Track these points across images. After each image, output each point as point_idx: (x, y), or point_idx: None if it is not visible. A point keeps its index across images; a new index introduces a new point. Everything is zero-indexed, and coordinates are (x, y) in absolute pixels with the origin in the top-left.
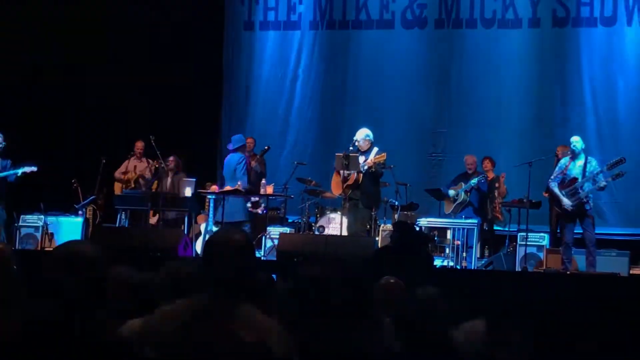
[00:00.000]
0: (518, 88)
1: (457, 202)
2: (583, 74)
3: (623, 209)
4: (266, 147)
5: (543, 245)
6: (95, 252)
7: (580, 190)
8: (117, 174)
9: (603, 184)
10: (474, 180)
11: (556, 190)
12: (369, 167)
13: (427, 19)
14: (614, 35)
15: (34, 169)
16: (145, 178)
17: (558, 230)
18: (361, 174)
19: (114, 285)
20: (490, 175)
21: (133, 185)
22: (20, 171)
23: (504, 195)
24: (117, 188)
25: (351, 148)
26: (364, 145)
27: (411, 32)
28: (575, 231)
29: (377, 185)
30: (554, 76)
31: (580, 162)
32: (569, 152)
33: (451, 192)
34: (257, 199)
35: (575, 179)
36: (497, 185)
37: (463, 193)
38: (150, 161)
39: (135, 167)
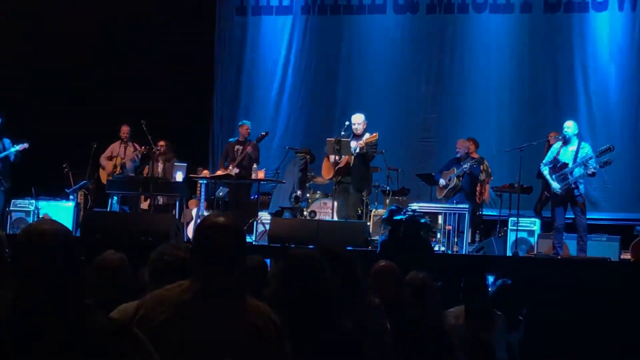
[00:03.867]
0: (509, 73)
1: (450, 187)
2: (575, 59)
3: (614, 195)
4: (263, 133)
5: (534, 230)
6: (64, 231)
7: (569, 176)
8: (103, 159)
9: (592, 170)
10: (466, 165)
11: (546, 173)
12: (361, 149)
13: (418, 4)
14: (606, 20)
15: (26, 145)
16: (133, 161)
17: (547, 215)
18: (352, 157)
19: (105, 270)
20: (475, 156)
21: (119, 170)
22: (13, 150)
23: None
24: (103, 174)
25: (343, 133)
26: (360, 129)
27: (403, 17)
28: (567, 216)
29: (367, 169)
30: (545, 61)
31: (572, 148)
32: (560, 137)
33: (441, 182)
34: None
35: (565, 164)
36: (482, 167)
37: (455, 178)
38: (137, 146)
39: (126, 149)
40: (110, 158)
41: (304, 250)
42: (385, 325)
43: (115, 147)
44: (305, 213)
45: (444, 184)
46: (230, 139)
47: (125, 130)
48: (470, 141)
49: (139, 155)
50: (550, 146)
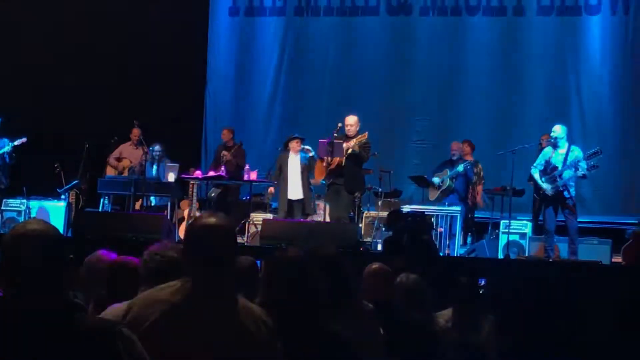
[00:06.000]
0: (502, 76)
1: (442, 189)
2: (567, 62)
3: (605, 197)
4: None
5: (525, 233)
6: (51, 231)
7: (558, 179)
8: (111, 158)
9: (582, 173)
10: (460, 167)
11: (536, 176)
12: (353, 150)
13: (412, 6)
14: (598, 24)
15: (24, 140)
16: (142, 165)
17: (540, 218)
18: (344, 158)
19: (96, 269)
20: (469, 159)
21: (126, 173)
22: (11, 145)
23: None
24: (110, 172)
25: (335, 134)
26: (354, 131)
27: (396, 19)
28: (558, 219)
29: (360, 170)
30: (538, 64)
31: (562, 151)
32: (552, 141)
33: (436, 180)
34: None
35: (555, 167)
36: (476, 170)
37: (448, 180)
38: (147, 149)
39: (134, 157)
40: (118, 159)
41: (290, 252)
42: (378, 330)
43: (124, 149)
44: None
45: (438, 182)
46: (220, 144)
47: (136, 133)
48: (466, 143)
49: (148, 159)
50: (542, 149)
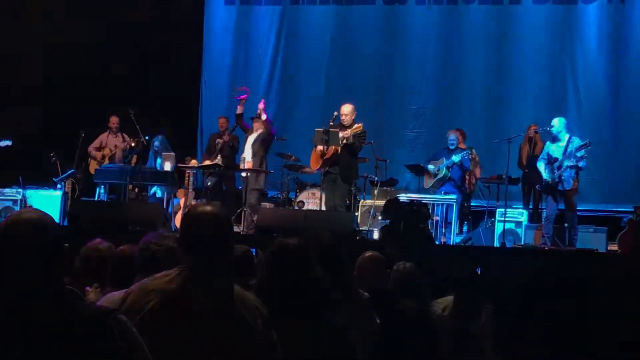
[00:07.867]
0: (497, 64)
1: (438, 177)
2: (563, 51)
3: (601, 186)
4: (234, 125)
5: (521, 221)
6: (47, 219)
7: (556, 170)
8: (92, 149)
9: (572, 163)
10: (457, 156)
11: (541, 168)
12: (347, 140)
13: None
14: (596, 13)
15: (9, 143)
16: (122, 153)
17: (530, 206)
18: (339, 148)
19: (93, 258)
20: (462, 146)
21: (108, 162)
22: None
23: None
24: (92, 164)
25: (331, 123)
26: (349, 120)
27: (392, 8)
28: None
29: (355, 159)
30: (534, 53)
31: (562, 143)
32: (552, 134)
33: (430, 167)
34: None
35: (557, 159)
36: (471, 157)
37: (444, 169)
38: (127, 137)
39: (115, 145)
40: (99, 149)
41: (291, 241)
42: (374, 318)
43: (104, 138)
44: (293, 203)
45: (434, 169)
46: (213, 133)
47: (114, 120)
48: (458, 131)
49: (128, 147)
50: (529, 139)
